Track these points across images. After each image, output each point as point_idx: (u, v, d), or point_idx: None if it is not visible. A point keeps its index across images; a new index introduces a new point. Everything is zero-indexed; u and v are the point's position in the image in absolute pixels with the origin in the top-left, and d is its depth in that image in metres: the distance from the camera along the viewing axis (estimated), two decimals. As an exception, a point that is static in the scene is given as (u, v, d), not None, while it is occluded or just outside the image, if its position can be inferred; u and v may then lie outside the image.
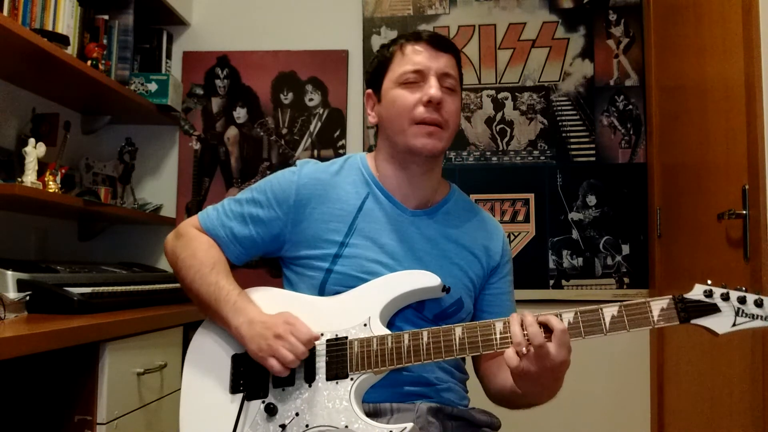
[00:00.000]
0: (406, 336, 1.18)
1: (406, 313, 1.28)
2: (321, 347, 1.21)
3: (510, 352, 1.11)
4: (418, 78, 1.29)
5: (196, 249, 1.32)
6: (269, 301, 1.28)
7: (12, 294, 1.71)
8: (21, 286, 1.75)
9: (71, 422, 1.60)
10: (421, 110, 1.27)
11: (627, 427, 2.53)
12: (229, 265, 1.34)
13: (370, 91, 1.38)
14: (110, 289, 1.92)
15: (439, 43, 1.32)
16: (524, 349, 1.09)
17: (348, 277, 1.27)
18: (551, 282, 2.61)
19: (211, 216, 1.37)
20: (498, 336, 1.16)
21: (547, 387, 1.16)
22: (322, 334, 1.22)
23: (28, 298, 1.72)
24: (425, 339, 1.17)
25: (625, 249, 2.60)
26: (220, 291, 1.25)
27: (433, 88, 1.27)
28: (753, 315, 1.06)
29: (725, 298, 1.08)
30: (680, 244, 2.24)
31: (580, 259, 2.61)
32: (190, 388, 1.26)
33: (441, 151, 1.32)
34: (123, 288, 2.01)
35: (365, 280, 1.26)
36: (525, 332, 1.10)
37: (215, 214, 1.37)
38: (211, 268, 1.29)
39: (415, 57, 1.30)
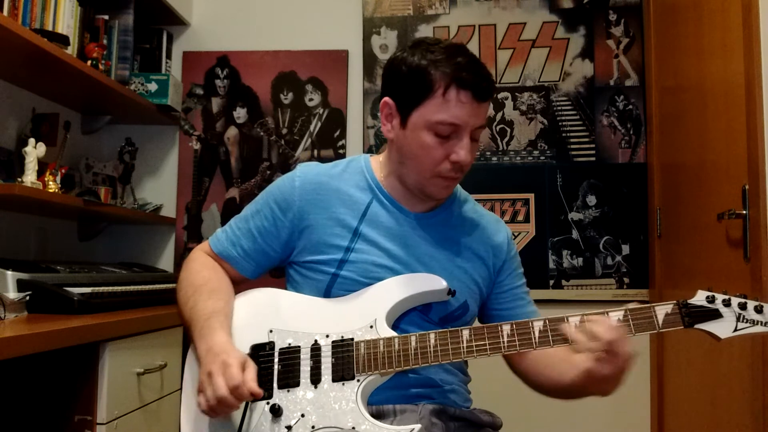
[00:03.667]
0: (414, 338, 1.18)
1: (412, 316, 1.27)
2: (326, 348, 1.20)
3: (592, 363, 1.11)
4: (452, 131, 1.21)
5: (189, 273, 1.34)
6: (274, 303, 1.28)
7: (12, 294, 1.71)
8: (21, 286, 1.75)
9: (71, 422, 1.60)
10: (446, 167, 1.23)
11: (627, 427, 2.53)
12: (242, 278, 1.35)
13: (391, 102, 1.27)
14: (110, 289, 1.92)
15: (484, 93, 1.21)
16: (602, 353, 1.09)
17: (354, 282, 1.27)
18: (551, 282, 2.61)
19: (221, 239, 1.37)
20: (505, 338, 1.16)
21: (620, 381, 1.17)
22: (327, 335, 1.21)
23: (28, 298, 1.72)
24: (432, 341, 1.17)
25: (625, 249, 2.60)
26: (193, 311, 1.25)
27: (464, 151, 1.21)
28: (753, 321, 1.11)
29: (727, 303, 1.12)
30: (680, 244, 2.24)
31: (580, 259, 2.61)
32: (191, 388, 1.25)
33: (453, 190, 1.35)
34: (123, 288, 2.01)
35: (371, 285, 1.26)
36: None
37: (224, 236, 1.37)
38: (194, 290, 1.29)
39: (456, 109, 1.19)
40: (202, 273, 1.32)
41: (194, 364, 1.27)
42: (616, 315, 1.14)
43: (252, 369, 1.13)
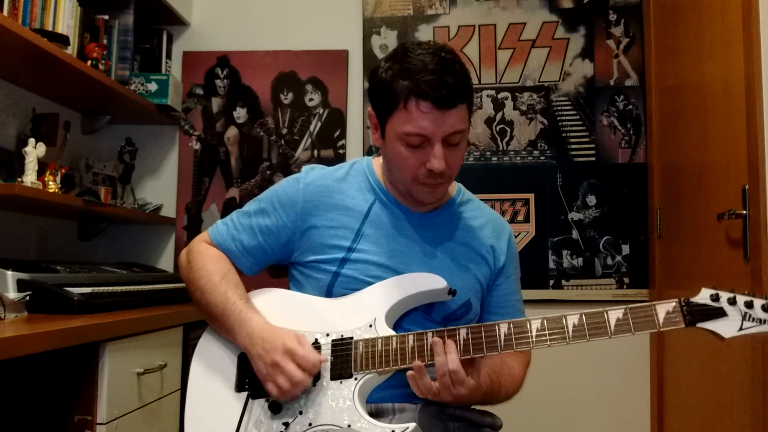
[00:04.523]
0: (411, 337, 1.19)
1: (414, 315, 1.28)
2: (326, 347, 1.22)
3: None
4: (422, 141, 1.20)
5: (206, 261, 1.34)
6: (276, 304, 1.29)
7: (12, 294, 1.71)
8: (21, 286, 1.75)
9: (71, 422, 1.60)
10: (423, 173, 1.23)
11: (627, 427, 2.53)
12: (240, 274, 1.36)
13: (372, 113, 1.29)
14: (110, 289, 1.92)
15: (447, 101, 1.18)
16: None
17: (355, 281, 1.28)
18: (551, 282, 2.61)
19: (221, 231, 1.38)
20: (502, 338, 1.16)
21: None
22: (327, 334, 1.23)
23: (28, 298, 1.72)
24: (429, 340, 1.17)
25: (625, 249, 2.60)
26: (227, 301, 1.26)
27: (436, 160, 1.20)
28: (760, 320, 1.06)
29: (732, 302, 1.08)
30: (680, 244, 2.24)
31: (580, 259, 2.61)
32: (196, 385, 1.27)
33: (444, 193, 1.34)
34: (123, 288, 2.01)
35: (372, 284, 1.27)
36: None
37: (225, 229, 1.38)
38: (221, 279, 1.30)
39: (420, 120, 1.18)
40: (221, 263, 1.34)
41: (202, 360, 1.28)
42: (616, 313, 1.13)
43: (306, 341, 1.19)
